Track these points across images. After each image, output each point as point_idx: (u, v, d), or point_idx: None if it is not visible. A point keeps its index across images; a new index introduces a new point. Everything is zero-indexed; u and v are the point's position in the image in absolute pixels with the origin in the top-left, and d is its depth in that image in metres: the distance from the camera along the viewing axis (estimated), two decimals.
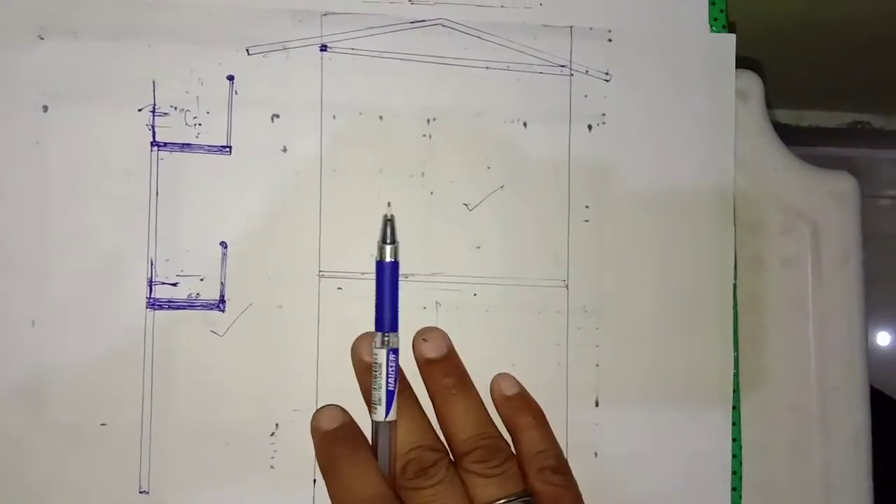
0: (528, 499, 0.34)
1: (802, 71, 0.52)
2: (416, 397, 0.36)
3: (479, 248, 0.37)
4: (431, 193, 0.37)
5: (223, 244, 0.36)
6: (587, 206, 0.38)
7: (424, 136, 0.37)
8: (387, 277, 0.35)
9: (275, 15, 0.36)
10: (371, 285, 0.36)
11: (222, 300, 0.36)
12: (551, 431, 0.36)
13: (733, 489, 0.38)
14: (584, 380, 0.38)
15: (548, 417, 0.37)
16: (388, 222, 0.36)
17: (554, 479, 0.35)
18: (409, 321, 0.36)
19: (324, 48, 0.37)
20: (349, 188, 0.37)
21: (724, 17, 0.39)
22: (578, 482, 0.36)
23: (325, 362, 0.36)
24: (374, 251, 0.36)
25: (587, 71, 0.38)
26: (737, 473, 0.38)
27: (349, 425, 0.35)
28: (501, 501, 0.33)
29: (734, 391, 0.39)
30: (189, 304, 0.36)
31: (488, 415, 0.36)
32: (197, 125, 0.36)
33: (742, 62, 0.40)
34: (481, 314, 0.37)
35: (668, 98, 0.39)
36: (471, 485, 0.34)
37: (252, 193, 0.36)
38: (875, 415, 0.41)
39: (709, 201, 0.39)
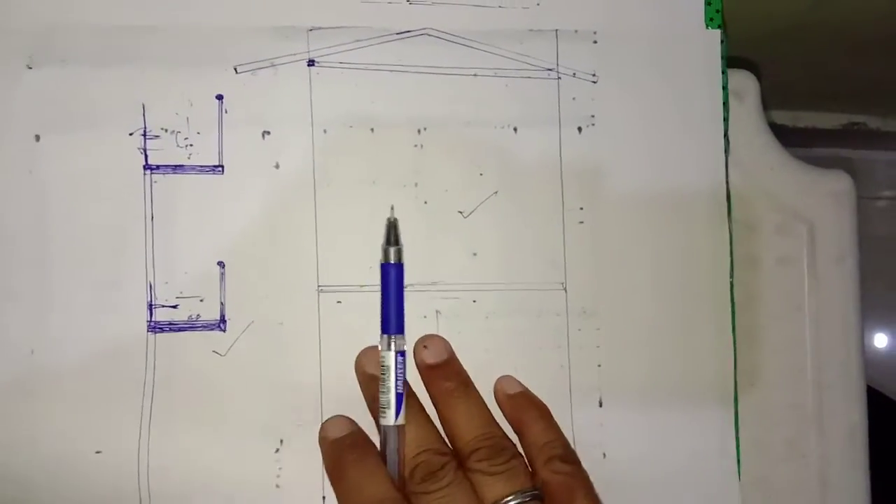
0: (536, 493, 0.34)
1: (798, 72, 0.53)
2: (420, 403, 0.36)
3: (475, 254, 0.37)
4: (426, 203, 0.37)
5: (221, 264, 0.36)
6: (581, 208, 0.38)
7: (416, 145, 0.37)
8: (392, 280, 0.35)
9: (261, 32, 0.37)
10: (371, 297, 0.36)
11: (223, 320, 0.36)
12: (556, 424, 0.36)
13: None
14: (586, 381, 0.38)
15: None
16: (392, 225, 0.36)
17: (563, 469, 0.34)
18: (410, 330, 0.36)
19: (311, 63, 0.37)
20: (343, 201, 0.37)
21: (719, 17, 0.40)
22: None
23: (327, 376, 0.36)
24: (372, 263, 0.36)
25: (574, 74, 0.38)
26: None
27: (357, 433, 0.35)
28: (510, 498, 0.33)
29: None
30: (190, 326, 0.36)
31: (492, 415, 0.36)
32: (188, 146, 0.36)
33: (738, 63, 0.41)
34: (481, 320, 0.37)
35: (656, 98, 0.39)
36: (478, 484, 0.33)
37: (247, 211, 0.36)
38: (872, 414, 0.41)
39: (702, 199, 0.39)
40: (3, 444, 0.34)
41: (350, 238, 0.37)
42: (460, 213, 0.38)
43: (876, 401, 0.42)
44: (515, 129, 0.38)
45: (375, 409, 0.35)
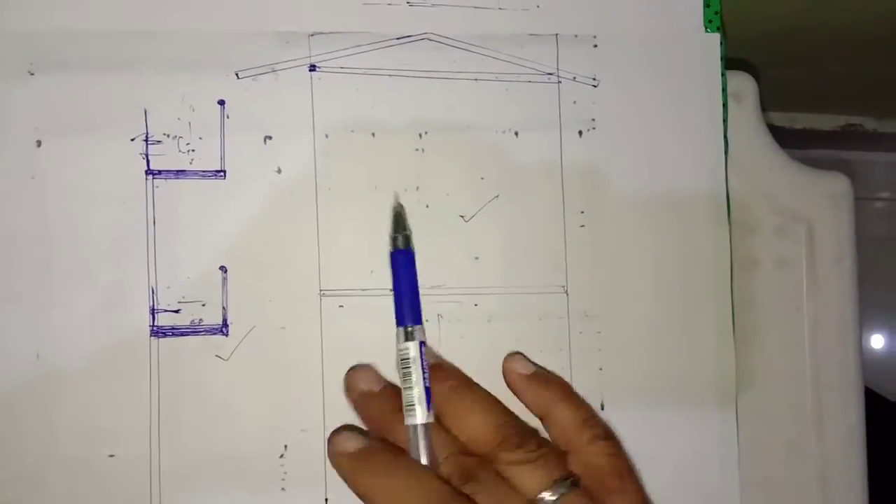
0: (577, 479, 0.31)
1: (796, 74, 0.53)
2: None
3: (477, 258, 0.38)
4: (427, 207, 0.37)
5: (223, 268, 0.36)
6: (582, 212, 0.38)
7: (417, 150, 0.37)
8: (402, 267, 0.35)
9: (262, 37, 0.37)
10: (373, 301, 0.36)
11: (225, 324, 0.36)
12: (584, 399, 0.34)
13: None
14: (588, 384, 0.38)
15: None
16: (398, 213, 0.36)
17: (609, 450, 0.32)
18: None
19: (313, 68, 0.37)
20: (345, 206, 0.37)
21: (718, 20, 0.40)
22: None
23: (330, 381, 0.36)
24: (374, 267, 0.36)
25: (574, 77, 0.39)
26: None
27: (375, 440, 0.33)
28: (551, 490, 0.30)
29: None
30: (193, 331, 0.36)
31: (501, 402, 0.34)
32: (190, 151, 0.36)
33: (736, 64, 0.41)
34: (483, 324, 0.37)
35: (656, 101, 0.39)
36: (513, 477, 0.31)
37: (249, 216, 0.36)
38: (868, 415, 0.41)
39: (702, 202, 0.39)
40: (13, 447, 0.34)
41: (352, 242, 0.37)
42: (461, 217, 0.38)
43: (873, 402, 0.43)
44: (516, 133, 0.38)
45: (377, 426, 0.34)
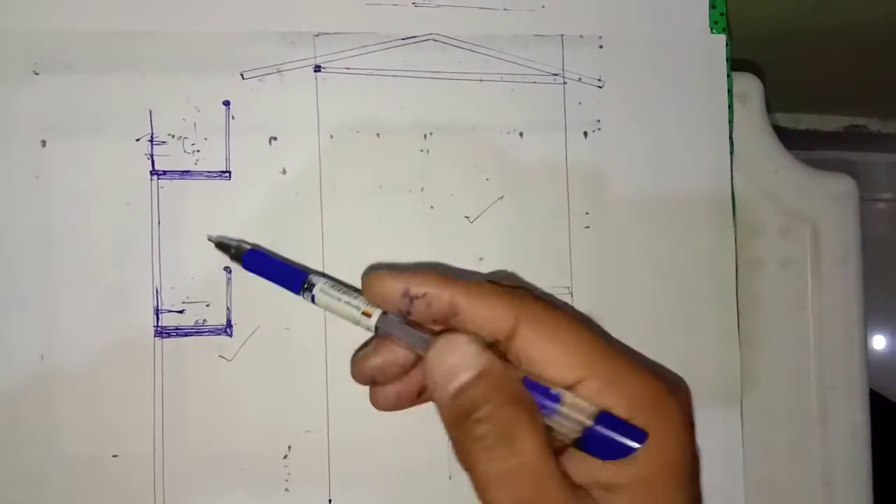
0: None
1: (800, 75, 0.53)
2: None
3: (482, 259, 0.38)
4: (432, 208, 0.37)
5: (227, 269, 0.36)
6: (587, 213, 0.38)
7: (422, 151, 0.37)
8: (259, 265, 0.33)
9: (267, 38, 0.37)
10: None
11: (229, 325, 0.36)
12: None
13: None
14: None
15: None
16: (219, 245, 0.34)
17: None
18: None
19: (318, 69, 0.37)
20: (350, 207, 0.37)
21: (724, 21, 0.40)
22: None
23: (334, 382, 0.36)
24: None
25: (580, 78, 0.38)
26: None
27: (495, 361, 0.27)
28: None
29: None
30: (197, 331, 0.36)
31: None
32: (195, 152, 0.36)
33: (741, 65, 0.41)
34: None
35: (662, 102, 0.39)
36: None
37: (253, 217, 0.36)
38: (872, 416, 0.41)
39: (707, 203, 0.39)
40: (17, 447, 0.35)
41: (356, 243, 0.37)
42: (466, 217, 0.38)
43: (875, 403, 0.43)
44: (521, 134, 0.38)
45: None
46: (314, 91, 0.37)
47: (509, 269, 0.38)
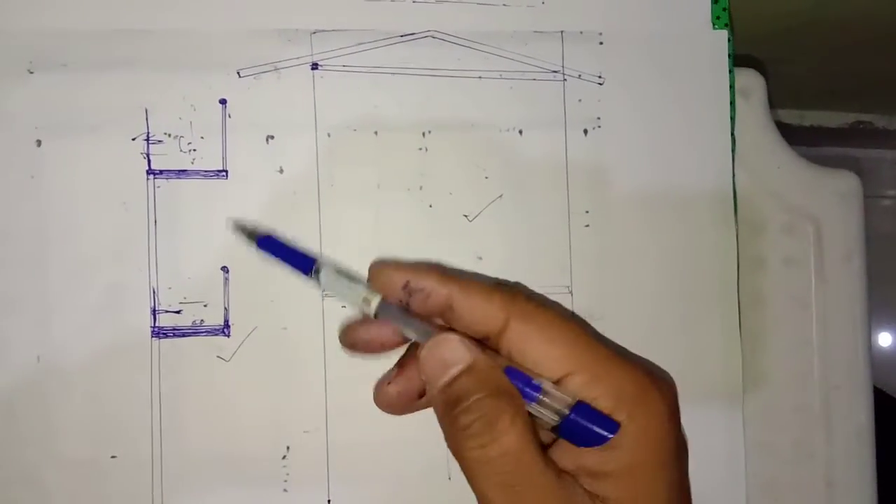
0: None
1: (804, 71, 0.52)
2: None
3: (481, 258, 0.37)
4: (430, 206, 0.37)
5: (225, 269, 0.36)
6: (587, 211, 0.38)
7: (420, 149, 0.37)
8: (275, 250, 0.33)
9: (264, 36, 0.36)
10: None
11: (227, 325, 0.36)
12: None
13: None
14: None
15: None
16: (236, 227, 0.35)
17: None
18: None
19: (315, 66, 0.37)
20: (348, 205, 0.37)
21: (726, 16, 0.39)
22: None
23: (332, 382, 0.36)
24: None
25: (580, 75, 0.38)
26: None
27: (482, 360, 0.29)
28: None
29: None
30: (194, 331, 0.36)
31: None
32: (192, 151, 0.36)
33: (744, 61, 0.40)
34: None
35: (662, 99, 0.39)
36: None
37: (251, 216, 0.36)
38: (877, 414, 0.41)
39: (709, 200, 0.39)
40: (14, 449, 0.34)
41: (354, 242, 0.36)
42: (465, 216, 0.37)
43: (880, 401, 0.42)
44: (521, 132, 0.38)
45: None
46: (311, 89, 0.36)
47: (509, 267, 0.37)
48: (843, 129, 0.63)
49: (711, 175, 0.39)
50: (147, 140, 0.36)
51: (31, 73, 0.35)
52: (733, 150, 0.39)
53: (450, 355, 0.28)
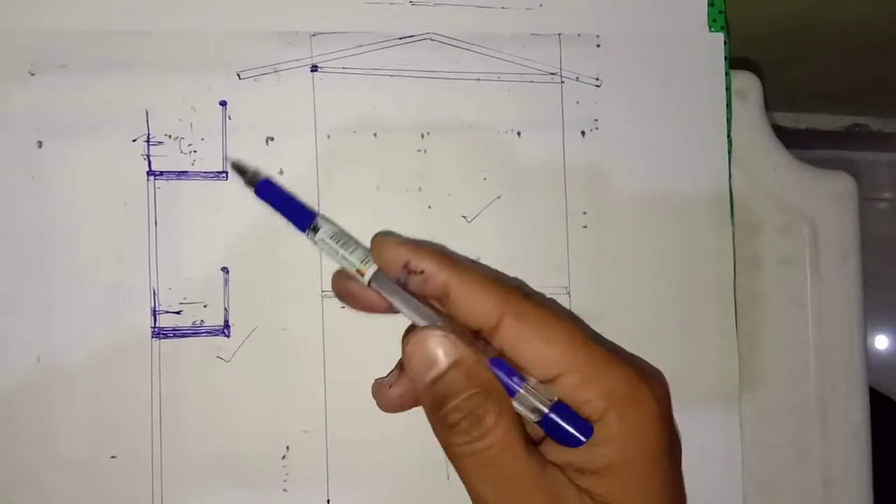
0: None
1: (800, 73, 0.53)
2: None
3: (479, 259, 0.37)
4: (429, 207, 0.37)
5: (225, 269, 0.36)
6: (585, 213, 0.38)
7: (419, 150, 0.37)
8: (273, 195, 0.33)
9: (264, 38, 0.36)
10: None
11: (227, 325, 0.36)
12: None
13: None
14: None
15: None
16: (234, 166, 0.35)
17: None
18: None
19: (314, 69, 0.37)
20: (347, 207, 0.37)
21: (722, 19, 0.40)
22: None
23: (332, 382, 0.36)
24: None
25: (577, 77, 0.38)
26: None
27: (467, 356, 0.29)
28: None
29: None
30: (194, 332, 0.36)
31: None
32: (192, 152, 0.36)
33: (740, 63, 0.41)
34: None
35: (659, 101, 0.39)
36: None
37: (250, 217, 0.36)
38: (873, 415, 0.41)
39: (705, 201, 0.39)
40: (15, 449, 0.34)
41: None
42: (464, 217, 0.38)
43: (876, 401, 0.43)
44: (519, 134, 0.38)
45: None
46: (311, 91, 0.37)
47: (507, 268, 0.37)
48: (839, 132, 0.63)
49: (708, 176, 0.39)
50: (147, 141, 0.36)
51: (33, 74, 0.35)
52: (730, 152, 0.40)
53: (435, 351, 0.28)
